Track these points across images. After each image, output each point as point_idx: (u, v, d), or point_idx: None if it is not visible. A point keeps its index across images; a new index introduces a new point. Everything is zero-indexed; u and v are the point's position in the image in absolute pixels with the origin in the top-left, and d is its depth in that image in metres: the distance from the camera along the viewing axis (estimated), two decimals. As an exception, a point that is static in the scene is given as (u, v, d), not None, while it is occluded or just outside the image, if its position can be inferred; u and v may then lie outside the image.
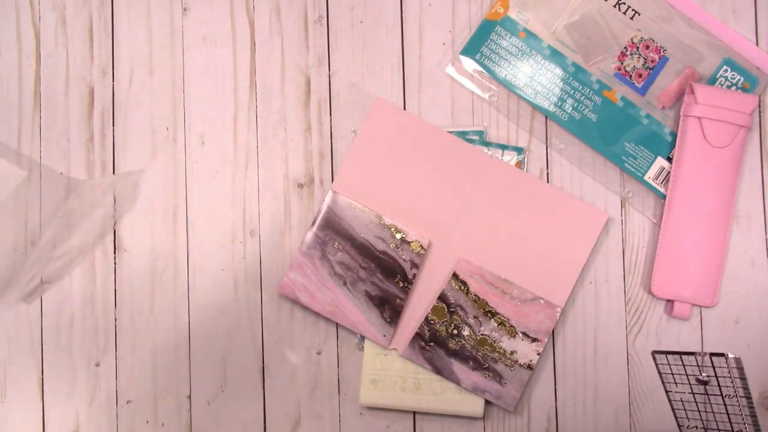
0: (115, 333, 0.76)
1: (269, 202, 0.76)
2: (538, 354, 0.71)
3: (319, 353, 0.75)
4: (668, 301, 0.73)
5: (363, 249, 0.72)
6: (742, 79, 0.73)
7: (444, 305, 0.71)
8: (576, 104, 0.74)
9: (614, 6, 0.74)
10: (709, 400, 0.66)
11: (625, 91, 0.74)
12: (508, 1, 0.75)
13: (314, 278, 0.72)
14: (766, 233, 0.73)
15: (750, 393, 0.66)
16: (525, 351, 0.71)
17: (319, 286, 0.72)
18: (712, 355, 0.64)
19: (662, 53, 0.74)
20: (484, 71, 0.75)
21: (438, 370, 0.71)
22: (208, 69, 0.77)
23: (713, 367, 0.65)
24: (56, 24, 0.79)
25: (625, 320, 0.73)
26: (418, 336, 0.71)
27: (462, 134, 0.74)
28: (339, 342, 0.75)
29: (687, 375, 0.66)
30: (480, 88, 0.75)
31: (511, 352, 0.71)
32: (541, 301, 0.71)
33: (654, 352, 0.67)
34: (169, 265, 0.76)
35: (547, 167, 0.75)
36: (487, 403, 0.72)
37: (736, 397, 0.65)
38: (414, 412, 0.74)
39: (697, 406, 0.66)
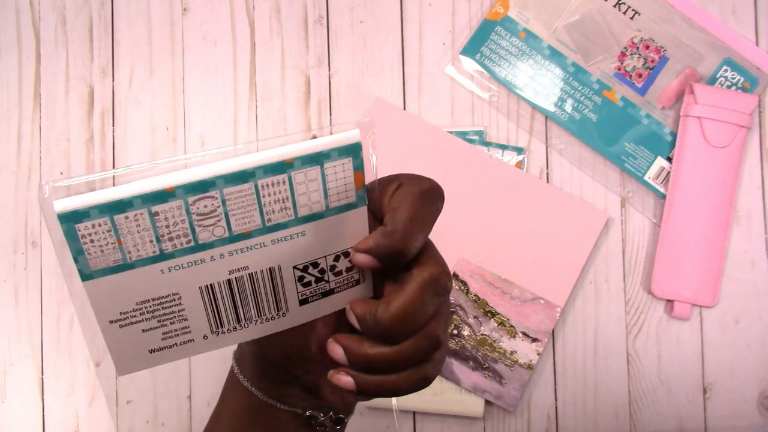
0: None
1: (269, 202, 0.76)
2: (538, 354, 0.71)
3: (319, 353, 0.75)
4: (668, 301, 0.73)
5: (363, 249, 0.72)
6: (742, 79, 0.73)
7: (444, 305, 0.71)
8: (576, 104, 0.74)
9: (614, 6, 0.74)
10: None
11: (625, 91, 0.74)
12: (508, 1, 0.74)
13: (314, 278, 0.72)
14: (766, 233, 0.73)
15: None
16: (525, 351, 0.71)
17: (319, 286, 0.72)
18: None
19: (662, 53, 0.74)
20: (484, 71, 0.75)
21: (438, 370, 0.71)
22: (208, 69, 0.77)
23: None
24: (56, 24, 0.79)
25: (625, 320, 0.73)
26: (418, 336, 0.71)
27: (462, 134, 0.74)
28: (339, 342, 0.75)
29: None
30: (480, 88, 0.75)
31: (511, 352, 0.71)
32: (541, 301, 0.71)
33: None
34: (169, 265, 0.76)
35: (547, 167, 0.75)
36: (487, 403, 0.72)
37: None
38: (414, 412, 0.74)
39: None
